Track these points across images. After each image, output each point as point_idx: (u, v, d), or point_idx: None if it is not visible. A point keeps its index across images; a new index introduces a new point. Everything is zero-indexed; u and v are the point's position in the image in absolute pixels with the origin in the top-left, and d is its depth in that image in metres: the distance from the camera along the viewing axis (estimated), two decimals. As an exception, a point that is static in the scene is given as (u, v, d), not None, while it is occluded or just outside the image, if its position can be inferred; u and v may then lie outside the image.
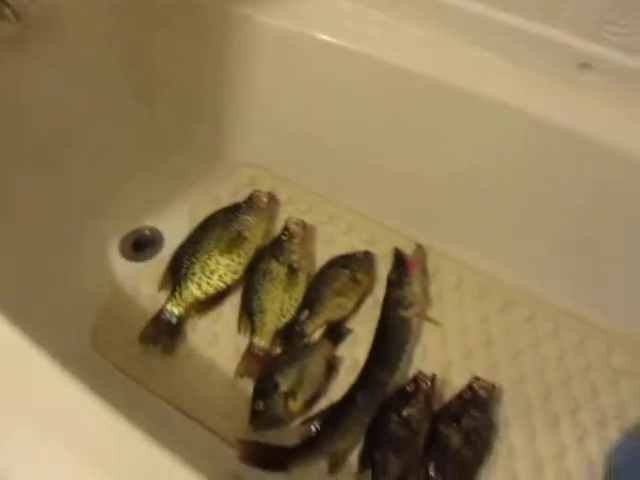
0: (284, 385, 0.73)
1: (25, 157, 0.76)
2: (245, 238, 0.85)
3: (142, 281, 0.84)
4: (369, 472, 0.69)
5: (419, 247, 0.86)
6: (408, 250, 0.85)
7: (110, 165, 0.87)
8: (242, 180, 0.94)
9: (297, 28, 0.78)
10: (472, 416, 0.71)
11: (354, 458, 0.71)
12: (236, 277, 0.83)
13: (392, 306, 0.80)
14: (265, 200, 0.89)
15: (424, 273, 0.85)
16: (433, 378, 0.73)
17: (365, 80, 0.77)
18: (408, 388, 0.72)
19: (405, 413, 0.71)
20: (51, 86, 0.75)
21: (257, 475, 0.68)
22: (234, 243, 0.84)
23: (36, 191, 0.78)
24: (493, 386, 0.73)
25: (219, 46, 0.83)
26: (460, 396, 0.73)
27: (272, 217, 0.90)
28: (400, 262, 0.83)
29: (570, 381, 0.77)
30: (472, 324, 0.81)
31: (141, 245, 0.90)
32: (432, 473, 0.68)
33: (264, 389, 0.74)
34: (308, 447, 0.70)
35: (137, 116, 0.88)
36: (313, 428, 0.71)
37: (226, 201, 0.91)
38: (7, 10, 0.70)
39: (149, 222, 0.90)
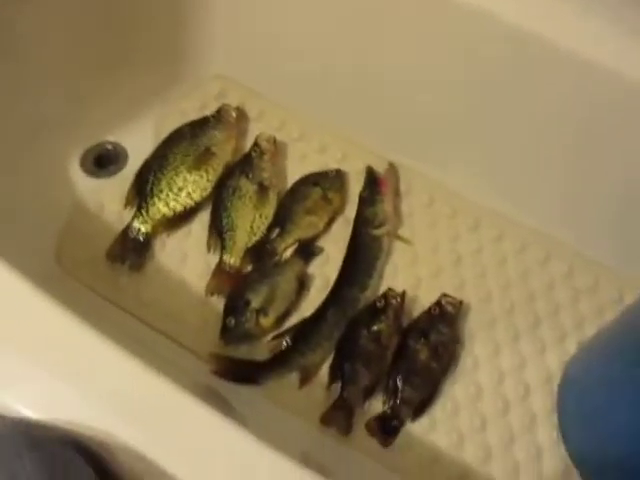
0: (255, 302, 0.74)
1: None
2: (213, 154, 0.83)
3: (106, 198, 0.82)
4: (339, 384, 0.70)
5: (391, 166, 0.85)
6: (381, 169, 0.84)
7: (70, 78, 0.82)
8: (210, 93, 0.90)
9: None
10: (440, 331, 0.73)
11: (324, 372, 0.72)
12: (204, 194, 0.81)
13: (363, 224, 0.80)
14: (234, 115, 0.86)
15: (396, 192, 0.84)
16: (403, 294, 0.74)
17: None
18: (378, 304, 0.74)
19: (375, 328, 0.72)
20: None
21: (230, 389, 0.70)
22: (202, 159, 0.82)
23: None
24: (460, 302, 0.75)
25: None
26: (429, 312, 0.75)
27: (242, 133, 0.87)
28: (372, 180, 0.83)
29: (533, 298, 0.79)
30: (443, 243, 0.82)
31: (103, 161, 0.86)
32: (400, 384, 0.70)
33: (235, 306, 0.74)
34: (279, 361, 0.72)
35: (99, 32, 0.82)
36: (284, 342, 0.72)
37: (193, 115, 0.87)
38: None
39: (111, 137, 0.86)
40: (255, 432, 0.51)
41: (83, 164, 0.85)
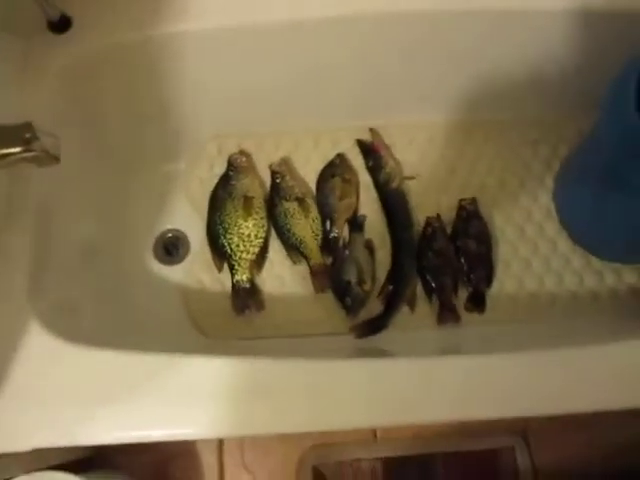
0: (353, 279, 0.97)
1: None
2: (252, 197, 1.01)
3: (199, 273, 1.01)
4: (435, 297, 0.98)
5: (373, 130, 1.05)
6: (365, 136, 1.06)
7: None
8: (211, 154, 1.07)
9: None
10: (473, 225, 1.00)
11: (421, 294, 0.99)
12: (265, 229, 1.00)
13: (384, 185, 1.03)
14: (244, 159, 1.03)
15: (386, 147, 1.05)
16: (438, 216, 1.01)
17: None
18: (427, 232, 1.00)
19: (435, 247, 0.99)
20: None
21: (375, 340, 0.95)
22: (247, 206, 1.00)
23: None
24: (474, 199, 1.02)
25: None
26: (458, 217, 1.01)
27: (255, 169, 1.05)
28: (368, 149, 1.04)
29: (515, 173, 1.06)
30: (437, 165, 1.07)
31: (171, 248, 1.04)
32: (470, 271, 0.99)
33: (343, 289, 0.96)
34: (392, 305, 0.97)
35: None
36: (388, 290, 0.97)
37: (208, 177, 1.05)
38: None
39: (168, 225, 1.04)
40: (405, 353, 0.81)
41: (159, 258, 1.03)
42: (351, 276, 0.97)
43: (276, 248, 1.02)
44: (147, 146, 1.03)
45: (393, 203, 1.02)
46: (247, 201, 1.01)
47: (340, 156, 1.05)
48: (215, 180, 1.03)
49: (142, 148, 1.03)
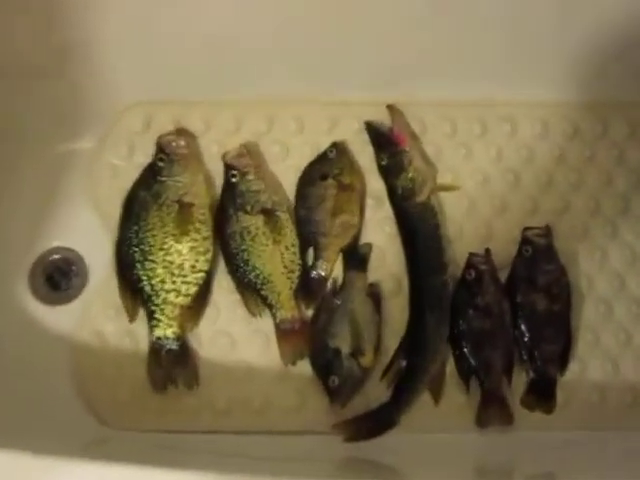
0: (344, 346, 0.96)
1: None
2: (190, 205, 1.00)
3: (97, 322, 1.00)
4: (475, 383, 0.97)
5: (392, 108, 1.05)
6: (380, 118, 1.05)
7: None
8: (131, 131, 1.07)
9: None
10: (544, 270, 1.00)
11: (452, 375, 0.98)
12: (209, 257, 1.00)
13: (402, 198, 1.02)
14: (183, 142, 1.02)
15: (413, 136, 1.05)
16: (487, 252, 1.00)
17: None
18: (468, 277, 0.99)
19: (479, 303, 0.98)
20: None
21: (372, 445, 0.95)
22: (182, 218, 0.99)
23: None
24: (547, 227, 1.02)
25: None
26: (520, 255, 1.01)
27: (199, 160, 1.05)
28: (381, 139, 1.04)
29: (610, 181, 1.08)
30: (488, 169, 1.06)
31: (57, 279, 1.04)
32: (533, 345, 0.98)
33: (327, 361, 0.96)
34: (403, 391, 0.96)
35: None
36: (399, 368, 0.96)
37: (127, 167, 1.05)
38: None
39: (56, 242, 1.04)
40: (423, 472, 0.80)
41: (36, 290, 1.02)
42: (342, 341, 0.97)
43: (224, 289, 1.02)
44: (27, 115, 1.03)
45: (417, 227, 1.02)
46: (183, 210, 1.00)
47: (338, 146, 1.05)
48: (135, 173, 1.03)
49: (19, 118, 1.03)
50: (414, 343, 0.98)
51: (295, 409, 0.98)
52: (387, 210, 1.05)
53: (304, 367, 0.99)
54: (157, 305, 0.98)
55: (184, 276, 0.99)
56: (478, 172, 1.07)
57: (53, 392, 0.97)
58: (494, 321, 0.98)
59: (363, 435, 0.95)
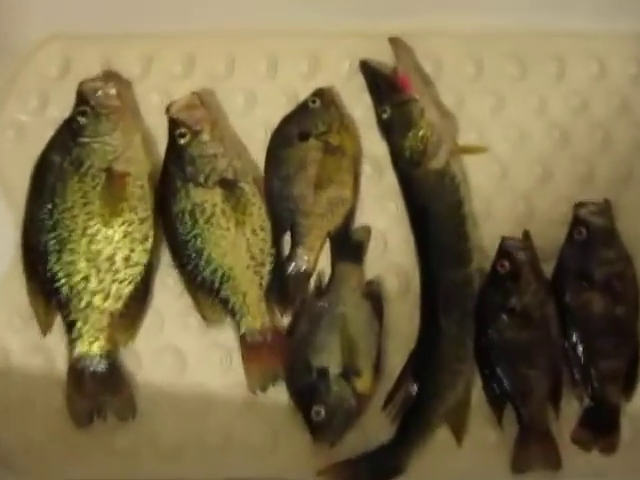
0: (333, 364, 0.90)
1: None
2: (124, 175, 0.95)
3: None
4: (510, 412, 0.90)
5: (396, 42, 0.99)
6: (381, 57, 0.99)
7: None
8: (43, 74, 1.03)
9: None
10: (601, 259, 0.92)
11: (479, 403, 0.91)
12: (148, 245, 0.95)
13: (411, 165, 0.96)
14: (113, 91, 0.98)
15: (425, 80, 1.00)
16: (526, 235, 0.93)
17: None
18: (500, 269, 0.91)
19: (514, 305, 0.90)
20: None
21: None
22: (113, 193, 0.95)
23: None
24: (606, 202, 0.94)
25: None
26: (571, 240, 0.93)
27: (135, 114, 1.01)
28: (382, 83, 0.98)
29: None
30: (527, 124, 1.00)
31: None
32: (587, 360, 0.90)
33: (309, 386, 0.90)
34: (412, 427, 0.90)
35: None
36: (406, 395, 0.90)
37: (37, 122, 1.02)
38: None
39: None
40: None
41: None
42: (329, 358, 0.91)
43: (170, 289, 0.98)
44: None
45: (431, 204, 0.96)
46: (113, 182, 0.95)
47: (324, 95, 1.00)
48: (49, 132, 1.00)
49: None
50: (427, 360, 0.92)
51: (266, 450, 0.94)
52: (390, 181, 0.99)
53: (278, 394, 0.94)
54: (79, 311, 0.93)
55: (115, 272, 0.94)
56: (513, 128, 1.02)
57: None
58: (535, 330, 0.91)
59: (358, 484, 0.90)
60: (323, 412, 0.90)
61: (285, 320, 0.96)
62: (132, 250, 0.94)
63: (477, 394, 0.93)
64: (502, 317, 0.92)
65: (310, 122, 0.98)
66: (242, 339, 0.94)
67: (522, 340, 0.92)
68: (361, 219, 0.99)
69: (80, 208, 0.94)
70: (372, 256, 0.98)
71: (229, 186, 0.96)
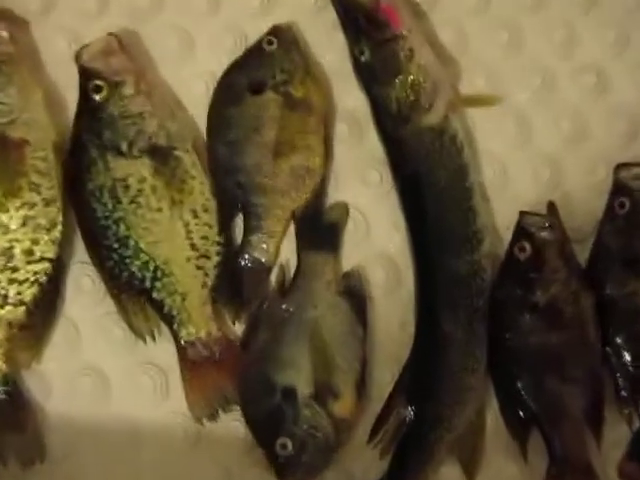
0: (302, 383, 0.86)
1: None
2: (22, 144, 0.90)
3: None
4: (536, 436, 0.86)
5: None
6: None
7: None
8: None
9: None
10: None
11: (496, 431, 0.86)
12: (57, 234, 0.91)
13: (399, 121, 0.92)
14: (5, 34, 0.94)
15: (414, 11, 0.96)
16: (551, 209, 0.89)
17: None
18: (519, 254, 0.86)
19: (541, 300, 0.85)
20: None
21: None
22: (8, 167, 0.91)
23: None
24: None
25: None
26: (611, 213, 0.88)
27: (36, 64, 0.97)
28: (359, 16, 0.91)
29: None
30: (551, 65, 0.98)
31: None
32: (637, 374, 0.85)
33: (273, 412, 0.86)
34: (409, 459, 0.87)
35: None
36: (410, 411, 0.87)
37: None
38: None
39: None
40: None
41: None
42: (297, 376, 0.88)
43: (86, 292, 0.95)
44: None
45: (427, 172, 0.91)
46: (8, 153, 0.91)
47: (281, 34, 0.96)
48: None
49: None
50: (425, 376, 0.87)
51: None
52: (372, 143, 0.96)
53: (231, 423, 0.91)
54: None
55: (14, 270, 0.90)
56: (533, 72, 0.99)
57: None
58: (567, 331, 0.87)
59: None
60: (290, 445, 0.86)
61: (238, 328, 0.93)
62: (35, 241, 0.91)
63: (493, 417, 0.90)
64: (523, 316, 0.87)
65: (265, 70, 0.95)
66: (182, 354, 0.91)
67: (550, 345, 0.87)
68: (335, 195, 0.96)
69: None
70: (350, 242, 0.95)
71: (161, 155, 0.92)
